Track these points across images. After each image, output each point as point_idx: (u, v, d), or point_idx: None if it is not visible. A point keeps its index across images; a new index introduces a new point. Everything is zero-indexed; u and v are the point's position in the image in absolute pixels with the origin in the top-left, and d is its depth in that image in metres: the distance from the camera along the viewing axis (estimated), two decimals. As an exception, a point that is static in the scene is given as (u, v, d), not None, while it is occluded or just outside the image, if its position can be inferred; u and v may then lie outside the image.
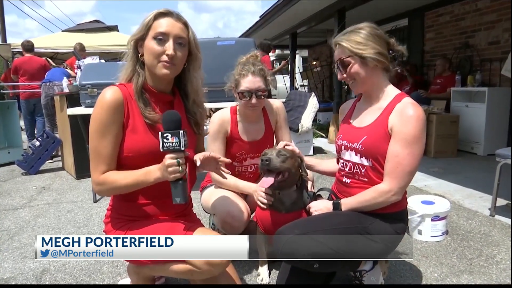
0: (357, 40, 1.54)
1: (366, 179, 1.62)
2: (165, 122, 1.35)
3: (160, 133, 1.32)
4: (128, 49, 1.47)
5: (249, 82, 1.98)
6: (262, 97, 2.01)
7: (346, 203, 1.63)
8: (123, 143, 1.43)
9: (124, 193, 1.46)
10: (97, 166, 1.42)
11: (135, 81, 1.46)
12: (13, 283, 2.01)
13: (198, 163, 1.47)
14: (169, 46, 1.39)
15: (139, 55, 1.46)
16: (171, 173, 1.31)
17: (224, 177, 1.63)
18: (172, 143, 1.31)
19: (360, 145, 1.60)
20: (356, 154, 1.63)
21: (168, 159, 1.31)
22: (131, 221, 1.51)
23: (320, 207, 1.69)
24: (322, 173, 2.01)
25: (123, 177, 1.40)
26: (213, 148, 2.07)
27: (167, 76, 1.45)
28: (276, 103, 2.23)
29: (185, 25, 1.45)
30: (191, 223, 1.52)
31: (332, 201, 1.67)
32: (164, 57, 1.40)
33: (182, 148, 1.32)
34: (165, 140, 1.31)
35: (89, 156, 1.45)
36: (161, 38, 1.39)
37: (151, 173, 1.37)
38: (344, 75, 1.61)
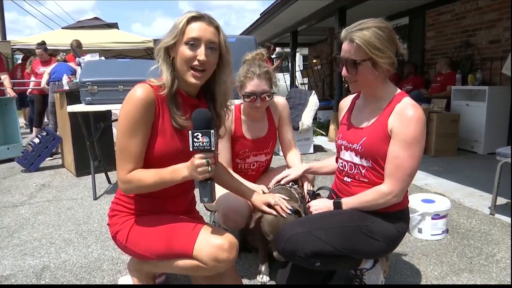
0: (376, 45, 1.47)
1: (366, 180, 1.61)
2: (195, 120, 1.32)
3: (190, 131, 1.29)
4: (159, 55, 1.43)
5: (254, 85, 1.98)
6: (267, 99, 2.02)
7: (347, 202, 1.62)
8: (151, 144, 1.42)
9: (150, 191, 1.44)
10: (124, 165, 1.39)
11: (170, 85, 1.42)
12: (13, 280, 2.00)
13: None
14: (201, 52, 1.38)
15: (171, 58, 1.43)
16: (200, 173, 1.29)
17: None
18: (203, 142, 1.28)
19: (360, 146, 1.59)
20: (356, 155, 1.62)
21: (198, 159, 1.29)
22: (138, 216, 1.52)
23: (320, 206, 1.69)
24: (328, 174, 2.00)
25: (149, 175, 1.39)
26: (220, 147, 2.08)
27: (196, 85, 1.44)
28: (280, 100, 2.23)
29: (217, 28, 1.43)
30: (196, 220, 1.53)
31: (332, 200, 1.67)
32: (196, 62, 1.38)
33: (212, 148, 1.30)
34: (195, 139, 1.28)
35: (116, 153, 1.42)
36: (193, 43, 1.38)
37: (178, 171, 1.36)
38: (348, 74, 1.56)
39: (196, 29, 1.38)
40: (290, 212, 1.65)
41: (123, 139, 1.39)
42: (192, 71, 1.40)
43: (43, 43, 6.53)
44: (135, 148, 1.38)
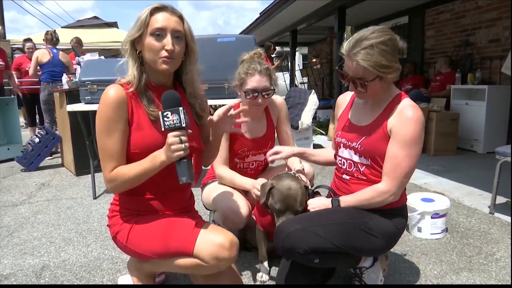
0: (383, 63, 1.44)
1: (365, 178, 1.62)
2: (164, 101, 1.34)
3: (160, 112, 1.32)
4: (125, 49, 1.46)
5: (256, 81, 1.97)
6: (267, 96, 2.01)
7: (345, 200, 1.63)
8: (130, 140, 1.44)
9: (136, 185, 1.45)
10: (107, 164, 1.43)
11: (138, 79, 1.45)
12: (13, 279, 2.00)
13: (215, 119, 1.55)
14: (168, 41, 1.39)
15: (137, 52, 1.46)
16: (174, 151, 1.30)
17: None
18: (173, 120, 1.30)
19: (359, 145, 1.60)
20: (355, 153, 1.63)
21: (171, 137, 1.31)
22: (137, 216, 1.52)
23: (318, 204, 1.69)
24: (324, 164, 2.00)
25: (131, 168, 1.41)
26: None
27: (168, 71, 1.45)
28: (278, 99, 2.23)
29: (180, 18, 1.45)
30: (195, 219, 1.54)
31: (330, 198, 1.67)
32: (164, 53, 1.39)
33: (183, 125, 1.31)
34: (165, 119, 1.30)
35: (99, 156, 1.46)
36: (159, 34, 1.39)
37: (156, 157, 1.37)
38: (359, 89, 1.54)
39: (160, 20, 1.40)
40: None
41: (101, 140, 1.42)
42: (163, 58, 1.41)
43: (31, 39, 6.33)
44: (113, 146, 1.41)
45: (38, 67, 5.46)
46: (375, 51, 1.43)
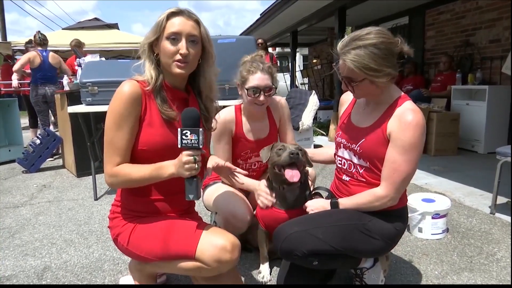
0: (371, 66, 1.42)
1: (364, 180, 1.62)
2: (184, 119, 1.35)
3: (179, 129, 1.33)
4: (143, 51, 1.48)
5: (258, 79, 1.99)
6: (269, 95, 2.02)
7: (344, 203, 1.63)
8: (139, 136, 1.45)
9: (135, 186, 1.47)
10: (111, 158, 1.43)
11: (154, 79, 1.46)
12: (14, 281, 2.01)
13: (209, 172, 1.53)
14: (182, 45, 1.41)
15: (155, 54, 1.48)
16: (187, 170, 1.32)
17: (240, 182, 1.72)
18: (191, 140, 1.32)
19: (358, 147, 1.60)
20: (354, 155, 1.63)
21: (186, 156, 1.32)
22: (139, 217, 1.53)
23: (316, 206, 1.69)
24: (323, 162, 2.01)
25: (136, 170, 1.41)
26: (219, 148, 2.07)
27: (182, 74, 1.47)
28: (280, 100, 2.24)
29: (197, 22, 1.47)
30: (196, 221, 1.54)
31: (329, 201, 1.67)
32: (178, 56, 1.42)
33: (200, 146, 1.33)
34: (184, 137, 1.32)
35: (103, 148, 1.46)
36: (174, 38, 1.42)
37: (165, 168, 1.38)
38: (348, 88, 1.56)
39: (176, 24, 1.42)
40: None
41: (110, 133, 1.42)
42: (176, 62, 1.43)
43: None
44: (121, 141, 1.42)
45: (29, 70, 5.44)
46: (365, 53, 1.43)
